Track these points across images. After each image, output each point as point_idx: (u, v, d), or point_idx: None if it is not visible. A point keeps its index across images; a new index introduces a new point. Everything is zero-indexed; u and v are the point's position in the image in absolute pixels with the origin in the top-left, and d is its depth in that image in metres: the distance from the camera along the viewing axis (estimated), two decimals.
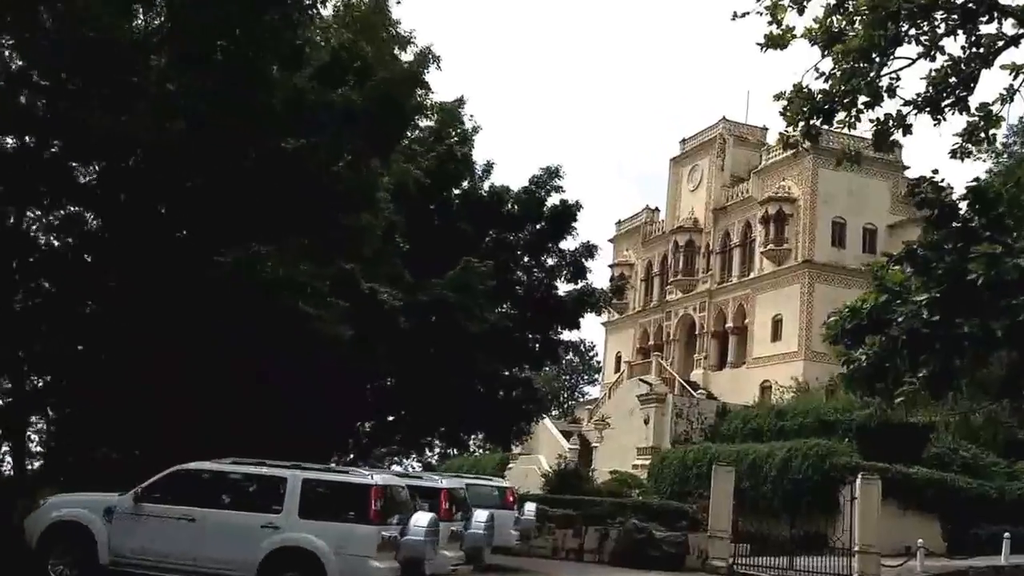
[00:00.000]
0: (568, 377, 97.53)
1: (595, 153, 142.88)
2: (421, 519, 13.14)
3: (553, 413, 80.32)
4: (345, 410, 24.82)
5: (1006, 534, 26.70)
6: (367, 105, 18.35)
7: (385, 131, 19.36)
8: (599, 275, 60.45)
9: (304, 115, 17.30)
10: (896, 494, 28.66)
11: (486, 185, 29.42)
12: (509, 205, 29.07)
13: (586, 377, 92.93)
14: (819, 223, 48.72)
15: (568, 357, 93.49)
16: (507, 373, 30.93)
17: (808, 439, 33.34)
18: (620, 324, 63.88)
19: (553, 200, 29.17)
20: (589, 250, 29.81)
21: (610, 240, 66.52)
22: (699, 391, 50.78)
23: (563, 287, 30.36)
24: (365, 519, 12.62)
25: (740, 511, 28.42)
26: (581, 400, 74.73)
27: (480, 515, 15.75)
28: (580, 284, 30.33)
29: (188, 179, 16.56)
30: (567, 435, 53.27)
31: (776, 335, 49.09)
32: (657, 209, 62.56)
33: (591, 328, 76.89)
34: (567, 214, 28.87)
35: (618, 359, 61.93)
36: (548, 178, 28.89)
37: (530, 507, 22.48)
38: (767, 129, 55.21)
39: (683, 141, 59.59)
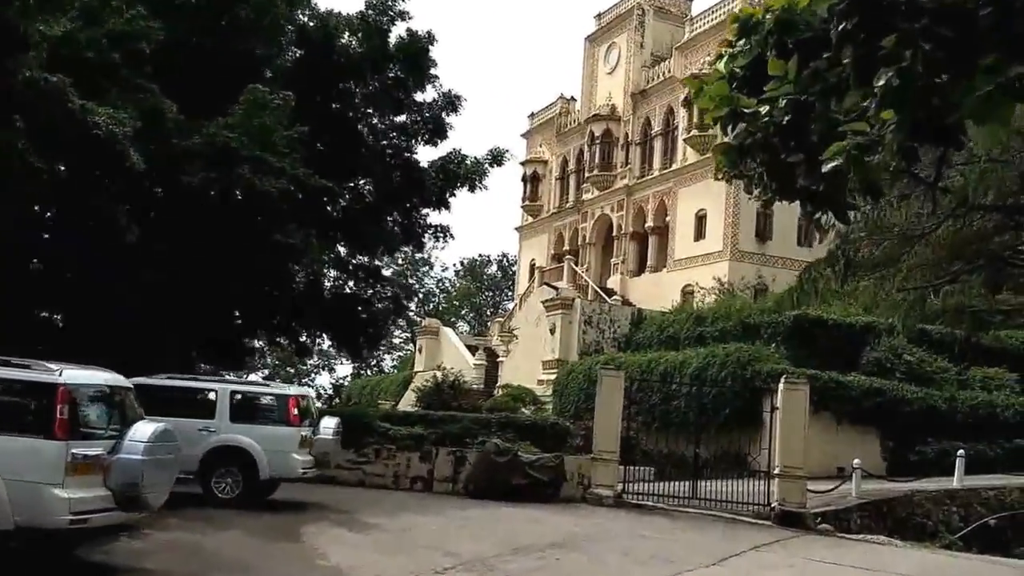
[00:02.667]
0: (490, 293, 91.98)
1: (504, 34, 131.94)
2: None
3: (477, 328, 75.24)
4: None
5: (959, 452, 23.19)
6: None
7: None
8: (509, 176, 54.01)
9: None
10: (829, 406, 25.45)
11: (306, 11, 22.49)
12: (344, 39, 22.39)
13: (509, 293, 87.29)
14: None
15: (489, 272, 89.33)
16: (355, 261, 25.10)
17: (728, 344, 28.18)
18: (534, 228, 58.18)
19: (399, 31, 22.59)
20: (451, 102, 23.43)
21: (523, 135, 60.19)
22: (614, 298, 45.30)
23: (426, 156, 24.13)
24: None
25: (647, 428, 24.93)
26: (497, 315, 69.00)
27: (139, 431, 9.29)
28: (443, 149, 24.19)
29: None
30: (473, 349, 48.42)
31: (700, 233, 43.60)
32: (573, 98, 55.93)
33: (510, 238, 70.99)
34: (418, 49, 22.26)
35: (532, 267, 55.97)
36: None
37: (328, 423, 16.50)
38: None
39: (599, 15, 52.80)
